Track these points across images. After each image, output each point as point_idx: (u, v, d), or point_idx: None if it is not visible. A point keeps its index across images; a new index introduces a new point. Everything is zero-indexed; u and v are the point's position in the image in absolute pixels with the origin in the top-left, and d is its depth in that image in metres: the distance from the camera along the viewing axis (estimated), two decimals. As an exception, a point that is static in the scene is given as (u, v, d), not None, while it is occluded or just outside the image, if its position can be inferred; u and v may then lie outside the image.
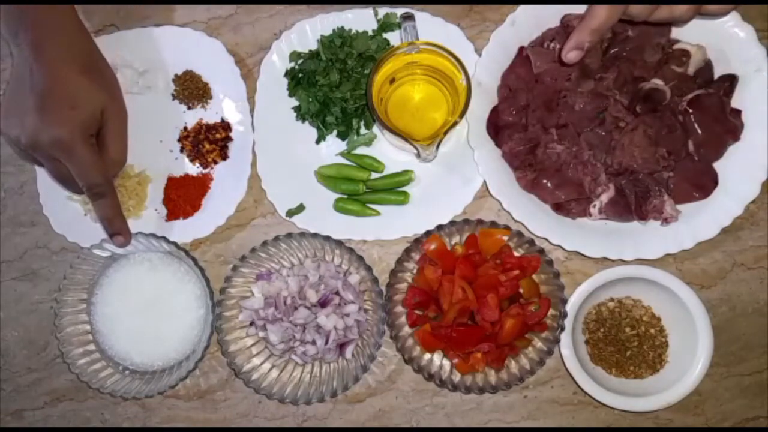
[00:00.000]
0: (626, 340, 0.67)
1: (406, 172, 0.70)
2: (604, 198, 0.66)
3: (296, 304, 0.66)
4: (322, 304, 0.66)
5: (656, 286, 0.65)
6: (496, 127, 0.68)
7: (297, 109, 0.72)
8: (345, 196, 0.71)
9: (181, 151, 0.73)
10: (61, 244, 0.74)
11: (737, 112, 0.66)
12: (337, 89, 0.69)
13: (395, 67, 0.67)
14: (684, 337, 0.64)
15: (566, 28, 0.67)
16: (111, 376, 0.68)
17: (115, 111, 0.67)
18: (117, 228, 0.67)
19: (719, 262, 0.69)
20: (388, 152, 0.71)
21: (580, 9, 0.67)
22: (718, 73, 0.67)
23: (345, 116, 0.70)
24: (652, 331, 0.67)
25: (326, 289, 0.66)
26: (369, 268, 0.65)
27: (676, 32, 0.67)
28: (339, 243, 0.66)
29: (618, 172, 0.65)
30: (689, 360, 0.64)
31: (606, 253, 0.66)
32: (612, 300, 0.68)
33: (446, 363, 0.66)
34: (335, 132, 0.71)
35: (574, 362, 0.64)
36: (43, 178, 0.73)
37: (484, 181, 0.68)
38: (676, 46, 0.66)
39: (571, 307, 0.64)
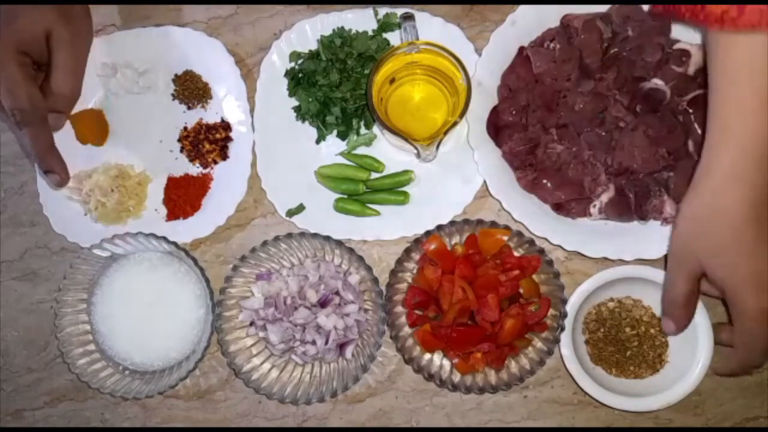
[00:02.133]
0: (626, 340, 0.66)
1: (406, 172, 0.70)
2: (604, 198, 0.65)
3: (296, 304, 0.66)
4: (322, 304, 0.66)
5: (656, 286, 0.64)
6: (496, 127, 0.68)
7: (297, 109, 0.72)
8: (345, 196, 0.71)
9: (181, 151, 0.73)
10: (61, 244, 0.74)
11: (737, 112, 0.66)
12: (337, 89, 0.69)
13: (395, 67, 0.67)
14: (684, 337, 0.64)
15: (566, 28, 0.67)
16: (111, 376, 0.68)
17: (68, 40, 0.63)
18: (48, 164, 0.62)
19: (719, 262, 0.69)
20: (388, 152, 0.71)
21: (580, 9, 0.67)
22: (718, 73, 0.67)
23: (345, 116, 0.70)
24: (653, 331, 0.66)
25: (326, 289, 0.66)
26: (369, 268, 0.65)
27: (676, 32, 0.67)
28: (339, 243, 0.66)
29: (618, 172, 0.65)
30: (689, 360, 0.64)
31: (606, 253, 0.66)
32: (612, 300, 0.68)
33: (446, 363, 0.66)
34: (335, 132, 0.71)
35: (574, 362, 0.64)
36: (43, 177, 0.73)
37: (484, 181, 0.68)
38: (676, 46, 0.66)
39: (570, 308, 0.64)
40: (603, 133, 0.66)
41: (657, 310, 0.67)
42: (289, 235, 0.66)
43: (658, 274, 0.64)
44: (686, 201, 0.56)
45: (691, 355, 0.64)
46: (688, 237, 0.56)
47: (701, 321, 0.63)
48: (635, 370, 0.66)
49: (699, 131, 0.65)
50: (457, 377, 0.65)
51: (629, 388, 0.66)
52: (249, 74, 0.73)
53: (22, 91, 0.59)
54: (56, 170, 0.63)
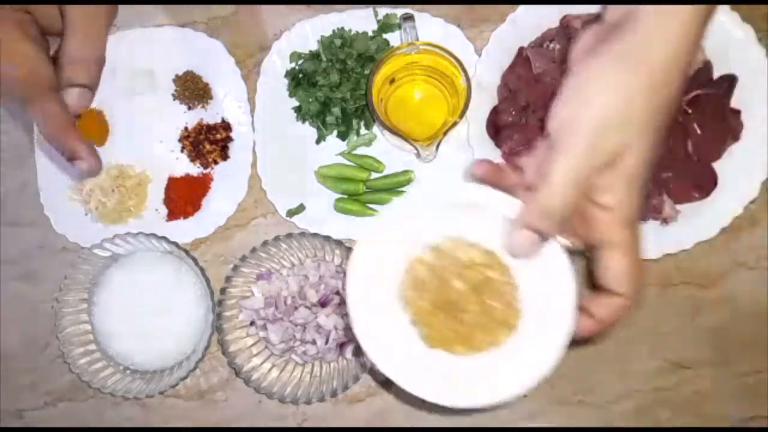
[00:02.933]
0: (459, 300, 0.46)
1: (406, 172, 0.70)
2: (604, 198, 0.66)
3: (296, 303, 0.66)
4: (322, 303, 0.66)
5: (474, 209, 0.45)
6: (496, 127, 0.68)
7: (297, 109, 0.72)
8: (345, 196, 0.71)
9: (182, 151, 0.74)
10: (62, 244, 0.74)
11: (737, 112, 0.66)
12: (337, 90, 0.70)
13: (395, 68, 0.67)
14: (534, 265, 0.44)
15: (566, 28, 0.67)
16: (111, 376, 0.69)
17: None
18: (70, 149, 0.50)
19: (719, 262, 0.69)
20: (388, 152, 0.71)
21: (580, 9, 0.67)
22: (717, 73, 0.67)
23: (345, 116, 0.70)
24: (491, 274, 0.45)
25: (326, 288, 0.66)
26: (369, 268, 0.65)
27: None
28: (339, 243, 0.66)
29: (618, 172, 0.65)
30: (552, 294, 0.44)
31: (606, 252, 0.66)
32: (427, 250, 0.46)
33: (446, 363, 0.66)
34: (335, 132, 0.72)
35: (395, 367, 0.45)
36: (43, 178, 0.73)
37: (484, 181, 0.68)
38: (675, 47, 0.66)
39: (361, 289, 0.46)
40: (603, 134, 0.66)
41: (489, 243, 0.45)
42: (289, 235, 0.66)
43: (469, 191, 0.45)
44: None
45: (554, 285, 0.44)
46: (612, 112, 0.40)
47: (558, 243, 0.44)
48: (485, 337, 0.46)
49: (698, 131, 0.65)
50: (456, 377, 0.65)
51: (488, 368, 0.46)
52: (249, 74, 0.73)
53: (21, 55, 0.47)
54: (82, 154, 0.50)
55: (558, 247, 0.43)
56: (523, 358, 0.44)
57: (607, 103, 0.39)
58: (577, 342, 0.44)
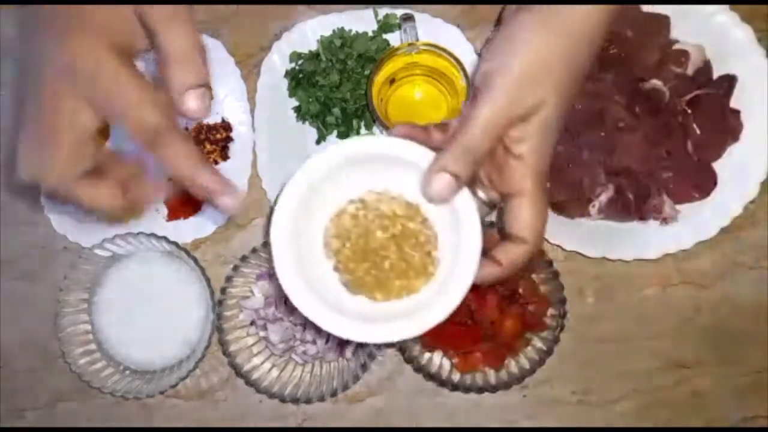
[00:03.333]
0: (380, 249, 0.48)
1: (406, 172, 0.70)
2: (604, 198, 0.66)
3: (296, 303, 0.66)
4: (323, 303, 0.66)
5: (399, 163, 0.46)
6: (495, 128, 0.68)
7: (297, 109, 0.72)
8: (345, 196, 0.71)
9: (182, 151, 0.73)
10: (62, 244, 0.74)
11: (736, 113, 0.66)
12: (337, 90, 0.70)
13: (395, 68, 0.67)
14: (449, 216, 0.47)
15: (566, 28, 0.67)
16: (112, 375, 0.69)
17: (170, 8, 0.41)
18: (210, 185, 0.40)
19: (719, 262, 0.69)
20: (388, 152, 0.71)
21: (579, 9, 0.67)
22: (717, 73, 0.67)
23: (345, 117, 0.70)
24: (412, 225, 0.48)
25: (326, 288, 0.66)
26: (369, 268, 0.65)
27: (675, 32, 0.67)
28: (339, 243, 0.66)
29: (617, 172, 0.66)
30: (463, 242, 0.46)
31: (605, 253, 0.66)
32: (352, 202, 0.49)
33: (446, 362, 0.66)
34: (335, 132, 0.72)
35: (319, 303, 0.46)
36: (43, 178, 0.73)
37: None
38: (675, 47, 0.66)
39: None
40: (602, 134, 0.66)
41: (411, 196, 0.48)
42: (290, 235, 0.66)
43: (385, 144, 0.47)
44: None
45: (458, 235, 0.46)
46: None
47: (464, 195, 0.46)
48: (403, 283, 0.48)
49: (698, 131, 0.65)
50: (456, 377, 0.65)
51: (406, 311, 0.47)
52: (249, 74, 0.73)
53: (140, 98, 0.38)
54: (223, 190, 0.41)
55: (468, 197, 0.45)
56: (433, 303, 0.46)
57: (528, 58, 0.42)
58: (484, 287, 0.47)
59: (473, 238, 0.45)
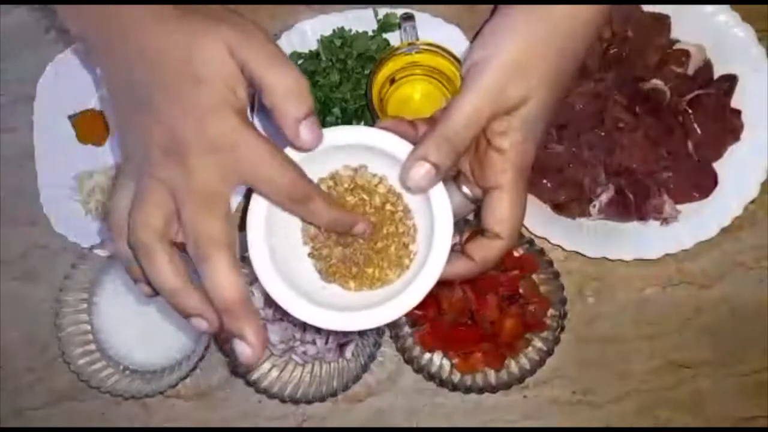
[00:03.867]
0: (356, 239, 0.46)
1: (406, 172, 0.70)
2: (604, 198, 0.66)
3: (296, 303, 0.66)
4: (322, 303, 0.66)
5: (381, 154, 0.45)
6: (496, 127, 0.68)
7: (297, 109, 0.72)
8: (345, 196, 0.71)
9: (182, 151, 0.73)
10: (62, 244, 0.74)
11: (737, 112, 0.66)
12: (337, 89, 0.70)
13: (395, 68, 0.67)
14: (426, 207, 0.45)
15: (566, 28, 0.67)
16: (111, 375, 0.69)
17: (265, 40, 0.44)
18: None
19: (719, 262, 0.69)
20: (388, 152, 0.71)
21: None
22: (718, 73, 0.67)
23: (345, 116, 0.70)
24: (390, 208, 0.46)
25: (326, 288, 0.66)
26: (369, 268, 0.65)
27: (675, 32, 0.67)
28: (339, 243, 0.66)
29: (618, 172, 0.66)
30: (436, 235, 0.44)
31: (606, 253, 0.66)
32: (333, 178, 0.47)
33: (446, 363, 0.66)
34: (335, 132, 0.72)
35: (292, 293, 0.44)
36: (43, 178, 0.73)
37: (484, 181, 0.68)
38: (675, 47, 0.66)
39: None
40: (603, 134, 0.66)
41: (394, 180, 0.46)
42: (290, 235, 0.66)
43: (377, 136, 0.46)
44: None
45: (436, 231, 0.44)
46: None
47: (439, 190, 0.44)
48: (377, 274, 0.46)
49: (699, 131, 0.65)
50: (457, 377, 0.65)
51: (378, 303, 0.44)
52: (249, 74, 0.73)
53: (281, 163, 0.41)
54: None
55: (442, 190, 0.44)
56: (402, 296, 0.44)
57: (514, 50, 0.41)
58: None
59: (445, 230, 0.43)
